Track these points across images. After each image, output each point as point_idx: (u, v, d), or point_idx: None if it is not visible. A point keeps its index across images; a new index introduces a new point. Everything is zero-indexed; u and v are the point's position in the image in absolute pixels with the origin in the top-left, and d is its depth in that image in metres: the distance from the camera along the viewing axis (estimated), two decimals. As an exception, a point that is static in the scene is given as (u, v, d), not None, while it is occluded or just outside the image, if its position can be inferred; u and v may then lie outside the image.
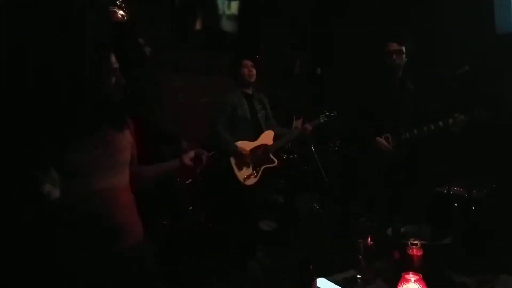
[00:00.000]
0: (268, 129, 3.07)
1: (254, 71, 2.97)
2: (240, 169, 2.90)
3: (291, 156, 3.53)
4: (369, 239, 1.76)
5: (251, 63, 2.97)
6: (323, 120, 3.21)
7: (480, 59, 2.87)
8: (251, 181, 2.92)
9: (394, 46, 2.67)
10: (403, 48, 2.67)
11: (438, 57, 3.09)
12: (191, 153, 1.65)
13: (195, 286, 2.51)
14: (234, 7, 3.94)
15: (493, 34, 2.88)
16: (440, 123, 2.55)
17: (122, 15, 3.06)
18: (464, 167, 2.60)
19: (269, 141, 3.06)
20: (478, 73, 2.71)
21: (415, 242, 1.64)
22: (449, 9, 3.17)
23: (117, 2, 3.02)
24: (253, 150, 2.96)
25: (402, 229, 1.81)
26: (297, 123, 3.36)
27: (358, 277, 1.74)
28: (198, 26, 3.81)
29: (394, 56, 2.66)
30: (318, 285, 1.65)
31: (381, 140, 2.65)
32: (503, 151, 2.75)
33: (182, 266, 2.65)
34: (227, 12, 3.94)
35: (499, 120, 2.77)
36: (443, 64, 2.91)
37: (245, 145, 2.93)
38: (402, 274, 1.48)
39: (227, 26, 3.96)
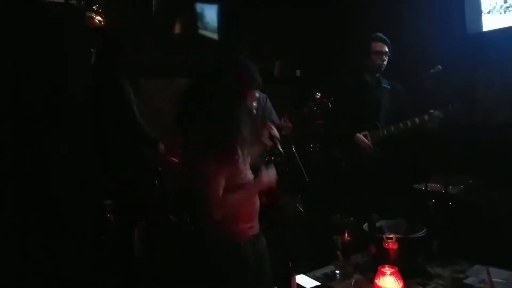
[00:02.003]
0: None
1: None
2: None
3: (272, 158, 3.55)
4: (346, 234, 1.80)
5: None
6: (306, 111, 3.12)
7: (452, 57, 2.97)
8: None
9: (378, 46, 2.73)
10: (387, 49, 2.74)
11: (412, 57, 3.17)
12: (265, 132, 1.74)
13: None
14: (214, 12, 3.96)
15: (464, 34, 2.97)
16: (416, 120, 2.62)
17: (99, 20, 3.05)
18: (441, 163, 2.66)
19: None
20: (450, 71, 2.82)
21: (390, 236, 1.69)
22: (422, 11, 3.27)
23: (94, 7, 3.01)
24: None
25: (378, 224, 1.85)
26: (283, 124, 3.36)
27: (337, 273, 1.78)
28: (177, 30, 3.82)
29: (378, 57, 2.72)
30: (297, 281, 1.68)
31: (361, 136, 2.70)
32: (478, 147, 2.84)
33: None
34: (207, 16, 3.95)
35: (473, 116, 2.87)
36: (417, 64, 2.99)
37: None
38: (378, 267, 1.52)
39: (207, 30, 3.97)
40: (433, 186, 2.64)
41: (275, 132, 1.79)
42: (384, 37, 2.76)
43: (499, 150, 2.73)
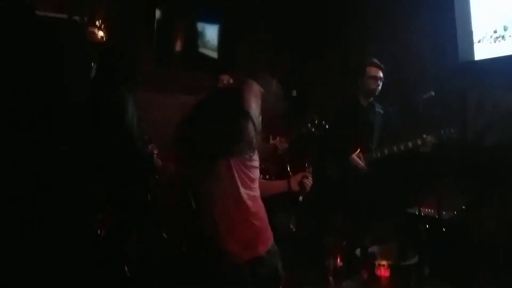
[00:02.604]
0: None
1: None
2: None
3: (267, 176, 3.56)
4: (338, 259, 1.81)
5: (227, 78, 2.95)
6: (304, 131, 3.14)
7: (444, 84, 3.05)
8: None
9: (373, 71, 2.80)
10: (381, 75, 2.81)
11: (406, 83, 3.24)
12: (298, 176, 1.76)
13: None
14: (214, 30, 4.03)
15: (456, 62, 3.06)
16: (409, 143, 2.67)
17: (101, 36, 3.10)
18: (434, 188, 2.69)
19: None
20: (443, 96, 2.89)
21: (383, 262, 1.70)
22: (417, 40, 3.36)
23: (97, 23, 3.07)
24: None
25: (370, 249, 1.86)
26: (275, 142, 3.39)
27: (328, 297, 1.77)
28: (178, 47, 3.87)
29: (373, 81, 2.79)
30: (289, 305, 1.67)
31: (356, 158, 2.74)
32: (470, 169, 2.87)
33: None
34: (207, 34, 4.02)
35: (464, 141, 2.93)
36: (411, 90, 3.06)
37: None
38: (370, 293, 1.53)
39: (207, 48, 4.03)
40: (427, 210, 2.66)
41: (309, 181, 1.78)
42: (378, 62, 2.83)
43: (492, 172, 2.77)
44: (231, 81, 3.00)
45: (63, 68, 2.82)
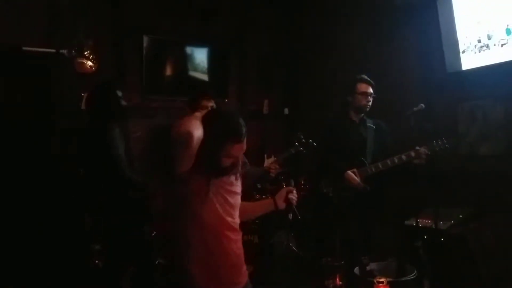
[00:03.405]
0: None
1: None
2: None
3: (264, 196, 3.55)
4: (337, 279, 1.78)
5: (211, 103, 2.79)
6: (294, 151, 3.11)
7: (434, 96, 3.07)
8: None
9: (364, 87, 2.83)
10: (372, 91, 2.84)
11: (396, 97, 3.26)
12: (282, 192, 1.71)
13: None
14: (203, 54, 4.08)
15: (444, 73, 3.09)
16: (403, 156, 2.67)
17: (90, 66, 3.12)
18: (430, 197, 2.69)
19: None
20: (433, 108, 2.91)
21: (381, 279, 1.68)
22: (404, 53, 3.40)
23: (86, 53, 3.09)
24: None
25: (369, 267, 1.84)
26: (268, 162, 3.39)
27: (329, 319, 1.74)
28: (167, 72, 3.91)
29: (363, 97, 2.82)
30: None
31: (351, 174, 2.73)
32: (465, 179, 2.87)
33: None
34: (195, 58, 4.06)
35: (457, 150, 2.93)
36: (401, 103, 3.08)
37: None
38: (370, 313, 1.50)
39: (197, 72, 4.07)
40: (424, 222, 2.64)
41: (294, 195, 1.73)
42: (369, 79, 2.86)
43: (486, 181, 2.77)
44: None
45: (55, 100, 2.85)
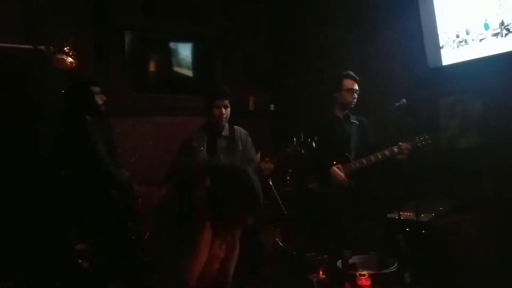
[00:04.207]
0: None
1: (227, 112, 2.75)
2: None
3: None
4: (321, 273, 1.81)
5: (225, 103, 2.74)
6: (290, 151, 2.90)
7: (416, 91, 3.12)
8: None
9: (349, 84, 2.85)
10: (357, 87, 2.86)
11: (378, 92, 3.30)
12: None
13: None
14: (187, 50, 4.05)
15: (425, 68, 3.14)
16: (386, 152, 2.72)
17: (71, 62, 3.06)
18: (412, 190, 2.73)
19: None
20: (415, 103, 2.95)
21: (363, 272, 1.71)
22: (386, 49, 3.43)
23: (65, 49, 3.03)
24: None
25: (351, 260, 1.87)
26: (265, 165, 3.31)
27: (313, 312, 1.77)
28: (151, 69, 3.87)
29: (349, 94, 2.83)
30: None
31: (336, 170, 2.75)
32: (446, 172, 2.93)
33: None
34: (180, 54, 4.03)
35: (439, 145, 2.99)
36: (383, 98, 3.12)
37: None
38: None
39: (182, 68, 4.04)
40: (406, 214, 2.69)
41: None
42: (354, 75, 2.88)
43: (466, 174, 2.83)
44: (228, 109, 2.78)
45: (33, 97, 2.80)
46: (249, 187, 1.44)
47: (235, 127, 2.91)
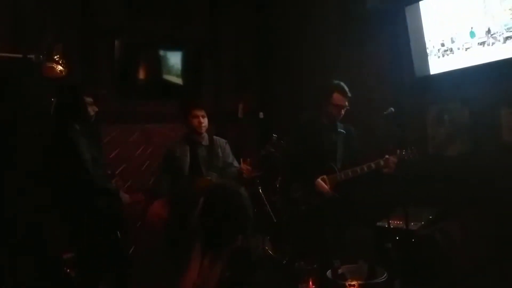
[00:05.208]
0: (208, 175, 2.94)
1: (205, 121, 2.88)
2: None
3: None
4: (310, 283, 1.81)
5: (202, 112, 2.87)
6: (264, 153, 3.02)
7: (403, 100, 3.16)
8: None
9: (339, 100, 2.77)
10: (347, 103, 2.80)
11: (366, 102, 3.31)
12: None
13: None
14: (176, 57, 4.03)
15: (413, 77, 3.18)
16: (372, 164, 2.69)
17: (60, 70, 3.03)
18: (401, 198, 2.74)
19: None
20: (403, 112, 2.98)
21: (353, 282, 1.71)
22: (375, 58, 3.46)
23: (55, 57, 2.99)
24: None
25: (340, 270, 1.87)
26: (243, 166, 3.36)
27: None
28: (140, 76, 3.84)
29: (337, 109, 2.78)
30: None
31: (321, 182, 2.74)
32: (434, 179, 2.96)
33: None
34: (169, 61, 4.01)
35: (426, 155, 3.01)
36: (371, 107, 3.14)
37: None
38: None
39: (169, 75, 4.02)
40: (396, 223, 2.69)
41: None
42: (345, 89, 2.78)
43: (453, 180, 2.86)
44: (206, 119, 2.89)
45: (23, 106, 2.76)
46: (241, 208, 1.52)
47: (214, 137, 3.06)
